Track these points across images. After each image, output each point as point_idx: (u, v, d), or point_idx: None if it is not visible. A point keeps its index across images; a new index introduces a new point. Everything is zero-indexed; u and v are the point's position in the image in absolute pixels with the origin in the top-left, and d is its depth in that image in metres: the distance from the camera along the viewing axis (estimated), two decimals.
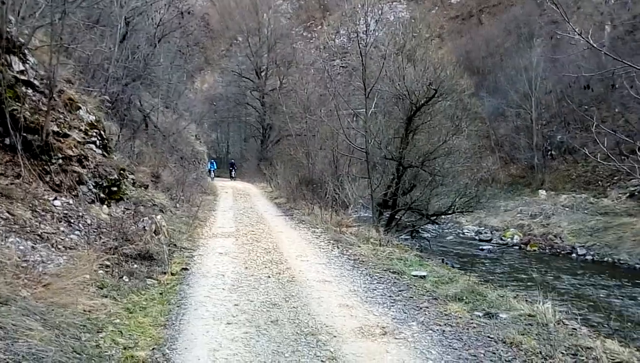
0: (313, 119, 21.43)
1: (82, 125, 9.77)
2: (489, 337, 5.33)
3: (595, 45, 4.34)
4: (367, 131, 15.54)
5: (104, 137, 10.69)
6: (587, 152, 6.23)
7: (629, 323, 9.00)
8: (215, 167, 37.63)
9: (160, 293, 6.59)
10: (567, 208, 24.02)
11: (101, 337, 4.69)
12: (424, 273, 8.42)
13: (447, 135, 15.72)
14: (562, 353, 4.80)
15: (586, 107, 28.64)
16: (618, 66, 4.57)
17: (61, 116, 9.16)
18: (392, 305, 6.50)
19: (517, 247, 21.50)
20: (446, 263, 13.91)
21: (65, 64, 10.87)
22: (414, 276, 8.22)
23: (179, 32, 24.61)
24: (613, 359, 4.74)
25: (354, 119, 19.24)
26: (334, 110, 18.79)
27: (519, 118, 33.90)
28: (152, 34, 20.39)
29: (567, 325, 6.04)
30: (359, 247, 10.67)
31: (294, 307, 6.24)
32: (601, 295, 13.20)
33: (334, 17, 62.60)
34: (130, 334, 4.97)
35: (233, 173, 41.30)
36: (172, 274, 7.59)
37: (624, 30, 30.96)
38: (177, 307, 6.10)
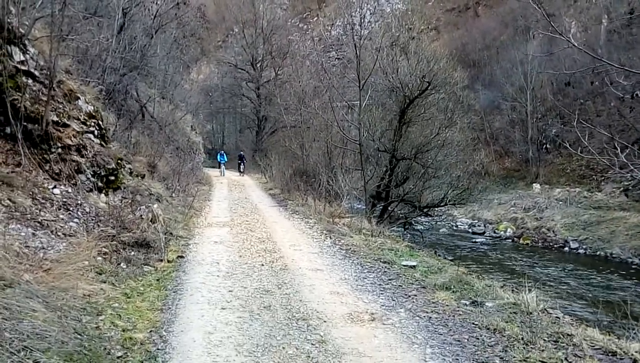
0: (308, 111, 21.58)
1: (80, 115, 9.91)
2: (473, 323, 5.53)
3: (575, 44, 4.53)
4: (360, 123, 15.70)
5: (102, 127, 10.83)
6: (568, 146, 6.44)
7: (615, 314, 9.24)
8: (226, 160, 34.66)
9: (157, 280, 6.80)
10: (560, 202, 24.21)
11: (101, 320, 4.91)
12: (414, 263, 8.64)
13: (440, 128, 15.90)
14: (544, 339, 5.00)
15: (581, 101, 28.83)
16: (598, 64, 4.75)
17: (60, 106, 9.31)
18: (382, 293, 6.71)
19: (510, 240, 21.73)
20: (438, 255, 14.13)
21: (65, 54, 10.99)
22: (404, 266, 8.43)
23: (176, 23, 24.67)
24: (592, 345, 4.94)
25: (349, 111, 19.39)
26: (329, 102, 18.94)
27: (514, 111, 34.03)
28: (149, 25, 20.47)
29: (550, 313, 6.27)
30: (351, 237, 10.87)
31: (286, 294, 6.45)
32: (591, 288, 13.43)
33: (330, 8, 62.54)
34: (128, 317, 5.18)
35: (242, 167, 35.25)
36: (169, 261, 7.80)
37: (620, 24, 31.10)
38: (174, 292, 6.31)
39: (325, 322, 5.46)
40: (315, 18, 65.29)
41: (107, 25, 16.55)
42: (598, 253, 18.64)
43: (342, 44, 43.54)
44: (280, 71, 40.98)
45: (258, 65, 45.59)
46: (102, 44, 15.17)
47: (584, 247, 19.44)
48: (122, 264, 7.05)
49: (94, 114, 10.51)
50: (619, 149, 4.52)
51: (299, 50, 37.85)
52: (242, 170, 35.01)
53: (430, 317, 5.74)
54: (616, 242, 18.66)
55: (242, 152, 37.78)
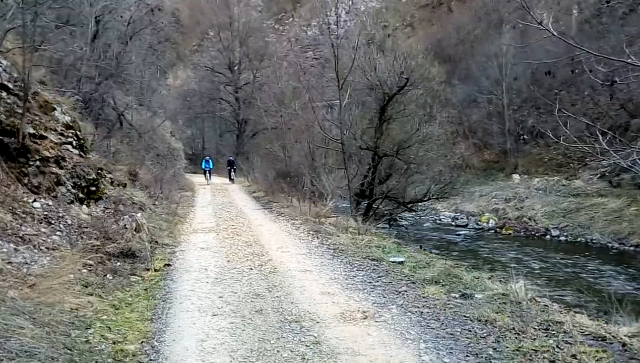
0: (288, 112, 21.52)
1: (58, 126, 9.77)
2: (464, 316, 5.57)
3: (555, 34, 4.55)
4: (341, 122, 15.70)
5: (80, 137, 10.68)
6: (551, 135, 6.51)
7: (600, 298, 9.35)
8: (212, 166, 31.36)
9: (145, 289, 6.72)
10: (540, 191, 24.48)
11: (90, 333, 4.82)
12: (402, 259, 8.66)
13: (420, 123, 15.97)
14: (534, 328, 5.07)
15: (556, 90, 29.14)
16: (577, 53, 4.79)
17: (37, 118, 9.17)
18: (372, 291, 6.71)
19: (492, 231, 21.88)
20: (424, 250, 14.18)
21: (38, 65, 10.81)
22: (393, 262, 8.45)
23: (150, 29, 24.43)
24: (582, 332, 5.00)
25: (329, 110, 19.37)
26: (309, 102, 18.91)
27: (491, 104, 34.28)
28: (123, 32, 20.25)
29: (539, 302, 6.34)
30: (338, 236, 10.85)
31: (277, 297, 6.42)
32: (574, 274, 13.61)
33: (304, 8, 62.53)
34: (118, 329, 5.10)
35: (232, 174, 31.38)
36: (156, 270, 7.70)
37: (591, 14, 31.54)
38: (163, 301, 6.24)
39: (318, 322, 5.44)
40: (291, 19, 65.19)
41: (81, 33, 16.35)
42: (579, 239, 18.88)
43: (319, 44, 43.56)
44: (259, 73, 40.82)
45: (235, 68, 45.40)
46: (76, 53, 14.97)
47: (565, 234, 19.68)
48: (108, 275, 6.96)
49: (71, 124, 10.37)
50: (600, 136, 4.56)
51: (276, 52, 37.80)
52: (232, 177, 31.28)
53: (422, 312, 5.76)
54: (596, 227, 18.93)
55: (231, 157, 33.77)
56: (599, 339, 4.84)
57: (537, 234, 20.38)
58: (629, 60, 4.13)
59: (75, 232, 8.28)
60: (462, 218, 24.63)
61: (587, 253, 16.33)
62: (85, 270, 6.77)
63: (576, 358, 4.32)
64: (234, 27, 45.15)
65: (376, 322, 5.46)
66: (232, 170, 31.44)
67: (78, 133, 10.63)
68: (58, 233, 7.88)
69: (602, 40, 24.45)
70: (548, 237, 19.89)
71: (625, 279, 12.92)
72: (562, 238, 19.47)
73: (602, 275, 13.31)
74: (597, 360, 4.27)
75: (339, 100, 15.71)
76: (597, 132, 4.40)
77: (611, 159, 4.56)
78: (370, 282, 7.14)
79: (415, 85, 16.21)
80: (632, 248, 16.66)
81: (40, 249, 6.98)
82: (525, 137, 31.77)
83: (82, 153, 10.57)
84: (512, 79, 32.04)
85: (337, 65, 15.31)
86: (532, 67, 30.89)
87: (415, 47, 18.22)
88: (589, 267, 14.36)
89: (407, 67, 15.46)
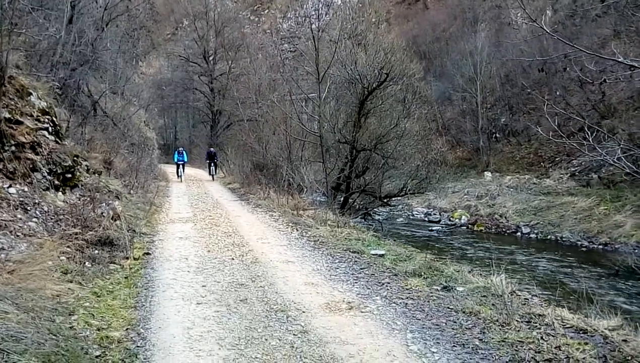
0: (266, 104, 21.40)
1: (34, 112, 9.54)
2: (448, 307, 5.64)
3: (549, 31, 4.62)
4: (320, 115, 15.69)
5: (56, 123, 10.47)
6: (539, 129, 6.62)
7: (574, 294, 9.53)
8: (186, 159, 27.17)
9: (126, 277, 6.64)
10: (511, 189, 24.85)
11: (74, 320, 4.78)
12: (383, 252, 8.74)
13: (398, 119, 16.01)
14: (517, 320, 5.16)
15: (529, 90, 29.62)
16: (569, 50, 4.89)
17: (12, 102, 8.95)
18: (356, 282, 6.75)
19: (465, 228, 22.12)
20: (402, 243, 14.26)
21: (16, 48, 10.54)
22: (373, 255, 8.52)
23: (126, 15, 24.02)
24: (564, 324, 5.10)
25: (305, 103, 19.30)
26: (286, 94, 18.83)
27: (465, 102, 34.71)
28: (99, 18, 19.85)
29: (519, 295, 6.48)
30: (318, 229, 10.87)
31: (261, 286, 6.41)
32: (546, 270, 13.86)
33: (280, 0, 62.23)
34: (102, 316, 5.05)
35: (213, 169, 27.10)
36: (135, 259, 7.63)
37: (564, 14, 32.05)
38: (145, 289, 6.19)
39: (304, 312, 5.45)
40: (267, 10, 64.81)
41: (55, 18, 15.96)
42: (549, 237, 19.17)
43: (295, 37, 43.40)
44: (234, 64, 40.46)
45: (210, 58, 44.92)
46: (51, 38, 14.63)
47: (536, 231, 19.97)
48: (87, 263, 6.86)
49: (47, 110, 10.13)
50: (588, 133, 4.65)
51: (252, 43, 37.47)
52: (212, 173, 27.11)
53: (407, 303, 5.82)
54: (566, 226, 19.24)
55: (212, 149, 28.75)
56: (581, 332, 4.95)
57: (508, 231, 20.66)
58: (620, 59, 4.21)
59: (51, 219, 8.14)
60: (435, 214, 24.89)
61: (557, 251, 16.59)
62: (63, 258, 6.67)
63: (560, 350, 4.40)
64: (209, 17, 44.68)
65: (362, 312, 5.50)
66: (213, 164, 27.16)
67: (54, 119, 10.40)
68: (34, 219, 7.73)
69: (575, 42, 24.84)
70: (519, 234, 20.18)
71: (595, 277, 13.18)
72: (533, 235, 19.76)
73: (573, 272, 13.56)
74: (580, 351, 4.36)
75: (319, 93, 15.69)
76: (586, 128, 4.49)
77: (596, 155, 4.66)
78: (352, 274, 7.18)
79: (395, 80, 16.25)
80: (600, 246, 17.00)
81: (17, 235, 6.84)
82: (497, 135, 32.25)
83: (58, 139, 10.35)
84: (486, 77, 32.43)
85: (317, 58, 15.27)
86: (506, 67, 31.33)
87: (397, 42, 18.21)
88: (560, 264, 14.61)
89: (388, 62, 15.48)
